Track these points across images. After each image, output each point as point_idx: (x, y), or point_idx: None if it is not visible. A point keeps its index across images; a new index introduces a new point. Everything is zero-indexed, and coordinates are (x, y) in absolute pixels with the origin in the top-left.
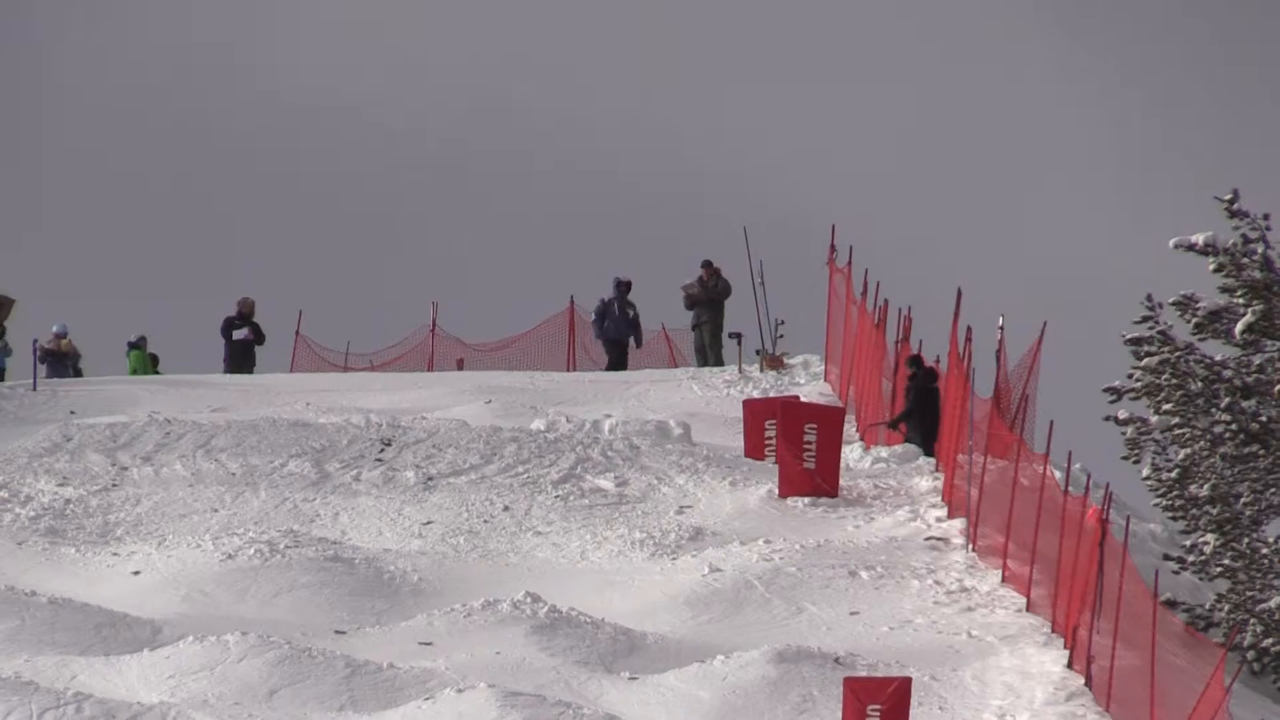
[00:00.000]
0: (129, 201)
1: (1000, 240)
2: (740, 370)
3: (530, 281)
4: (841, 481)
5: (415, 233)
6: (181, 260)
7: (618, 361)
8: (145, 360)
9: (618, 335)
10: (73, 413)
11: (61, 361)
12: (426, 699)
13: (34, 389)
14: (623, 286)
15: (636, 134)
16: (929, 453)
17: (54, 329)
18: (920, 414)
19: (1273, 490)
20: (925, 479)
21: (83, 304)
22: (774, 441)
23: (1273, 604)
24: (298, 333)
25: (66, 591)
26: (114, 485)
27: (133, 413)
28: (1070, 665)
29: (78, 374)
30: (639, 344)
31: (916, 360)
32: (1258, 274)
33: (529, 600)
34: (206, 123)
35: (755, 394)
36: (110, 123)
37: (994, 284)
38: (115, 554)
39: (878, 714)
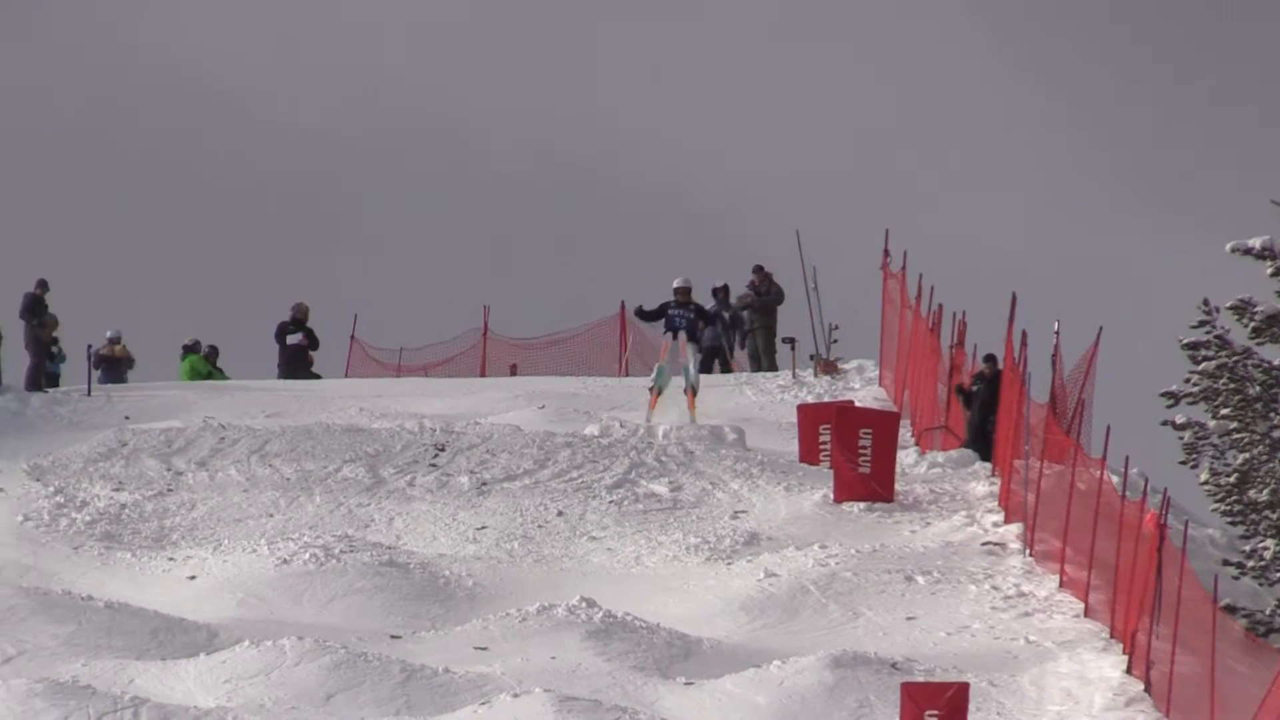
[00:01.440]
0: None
1: (1055, 244)
2: (794, 375)
3: (579, 287)
4: (897, 486)
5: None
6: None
7: (715, 365)
8: (203, 364)
9: (715, 341)
10: (127, 418)
11: (116, 367)
12: (482, 704)
13: (88, 394)
14: (720, 292)
15: (685, 138)
16: (989, 454)
17: (108, 334)
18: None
19: None
20: (981, 484)
21: (136, 309)
22: (829, 446)
23: None
24: (353, 337)
25: (123, 596)
26: (169, 490)
27: (187, 418)
28: (1129, 670)
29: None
30: (731, 351)
31: (993, 358)
32: None
33: (584, 605)
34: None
35: (809, 399)
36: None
37: (1049, 288)
38: (171, 559)
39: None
